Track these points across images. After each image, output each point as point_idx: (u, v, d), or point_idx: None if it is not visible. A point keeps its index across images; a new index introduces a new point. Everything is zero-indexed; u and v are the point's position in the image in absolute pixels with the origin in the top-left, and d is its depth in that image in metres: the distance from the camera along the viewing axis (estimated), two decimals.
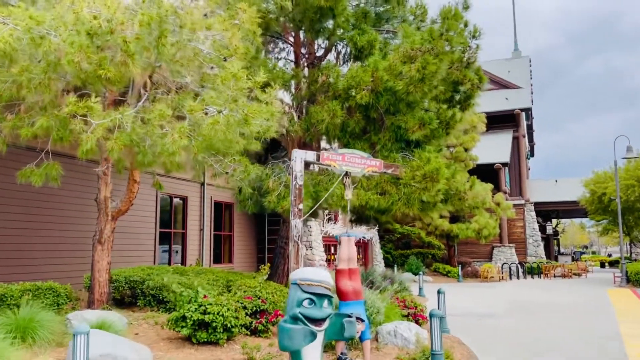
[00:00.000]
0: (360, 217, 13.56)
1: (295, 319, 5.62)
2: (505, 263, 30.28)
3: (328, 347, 7.13)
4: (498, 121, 37.08)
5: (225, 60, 7.31)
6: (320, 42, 12.14)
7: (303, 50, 11.88)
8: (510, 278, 28.53)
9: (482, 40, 11.04)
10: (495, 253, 32.56)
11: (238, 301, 8.40)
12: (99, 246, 8.98)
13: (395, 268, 26.02)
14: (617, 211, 25.58)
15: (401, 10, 11.97)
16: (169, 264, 16.54)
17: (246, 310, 8.23)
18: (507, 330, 11.24)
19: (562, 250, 65.97)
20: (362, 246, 27.07)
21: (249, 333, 8.17)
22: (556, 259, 42.14)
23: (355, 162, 6.96)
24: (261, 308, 8.51)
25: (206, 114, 6.71)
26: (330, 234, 22.72)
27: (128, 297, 10.12)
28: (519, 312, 14.25)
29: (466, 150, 27.61)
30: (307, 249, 20.57)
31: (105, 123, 6.13)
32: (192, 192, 17.58)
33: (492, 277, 27.01)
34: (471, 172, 25.65)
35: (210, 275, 11.23)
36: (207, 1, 7.11)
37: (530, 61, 45.24)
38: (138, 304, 9.65)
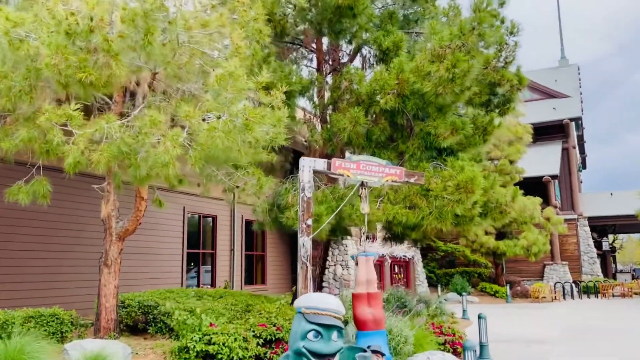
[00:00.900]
0: (394, 234, 12.59)
1: (298, 355, 4.74)
2: (558, 282, 28.34)
3: None
4: (546, 132, 35.29)
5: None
6: (345, 49, 11.41)
7: (326, 57, 11.15)
8: (564, 298, 26.61)
9: (522, 38, 10.02)
10: (547, 271, 30.57)
11: (250, 329, 7.60)
12: (105, 269, 8.38)
13: (439, 288, 24.68)
14: None
15: (432, 12, 11.09)
16: (198, 286, 15.95)
17: (259, 340, 7.40)
18: None
19: (620, 267, 62.21)
20: (404, 265, 25.86)
21: None
22: (614, 277, 39.43)
23: (372, 170, 6.09)
24: (276, 336, 7.67)
25: (204, 120, 6.02)
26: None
27: (141, 323, 9.47)
28: (574, 338, 12.83)
29: (511, 162, 26.13)
30: (342, 269, 19.62)
31: (87, 133, 5.51)
32: (222, 211, 17.02)
33: (544, 297, 25.21)
34: (518, 185, 24.15)
35: (230, 299, 10.50)
36: None
37: (578, 69, 43.16)
38: (149, 330, 8.97)
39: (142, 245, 13.72)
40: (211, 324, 6.90)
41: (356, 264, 6.25)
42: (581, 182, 44.03)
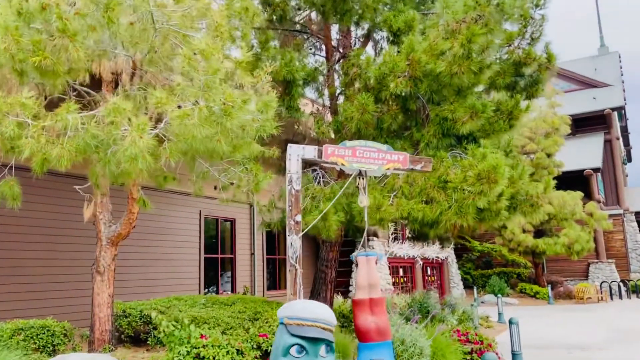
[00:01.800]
0: (417, 233, 11.69)
1: None
2: (604, 281, 26.68)
3: None
4: (586, 123, 33.56)
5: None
6: (356, 35, 10.62)
7: (336, 45, 10.39)
8: (611, 298, 24.98)
9: (556, 28, 9.14)
10: (592, 270, 28.86)
11: (249, 339, 6.89)
12: (98, 277, 7.82)
13: (475, 290, 23.48)
14: None
15: None
16: (217, 292, 15.38)
17: (258, 352, 6.68)
18: None
19: None
20: (437, 267, 24.76)
21: None
22: None
23: (371, 157, 5.29)
24: None
25: (180, 107, 5.34)
26: (397, 255, 20.75)
27: (143, 333, 8.89)
28: (622, 343, 11.62)
29: (549, 156, 24.71)
30: None
31: (47, 125, 4.91)
32: (240, 214, 16.43)
33: (589, 297, 23.69)
34: (556, 180, 22.75)
35: (239, 306, 9.82)
36: None
37: (619, 57, 41.00)
38: (148, 342, 8.37)
39: (156, 251, 13.23)
40: (202, 336, 6.22)
41: (356, 265, 5.46)
42: (626, 175, 41.76)
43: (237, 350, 6.21)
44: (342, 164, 5.22)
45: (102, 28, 4.98)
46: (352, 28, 10.46)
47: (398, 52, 8.32)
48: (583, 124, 33.36)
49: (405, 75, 7.91)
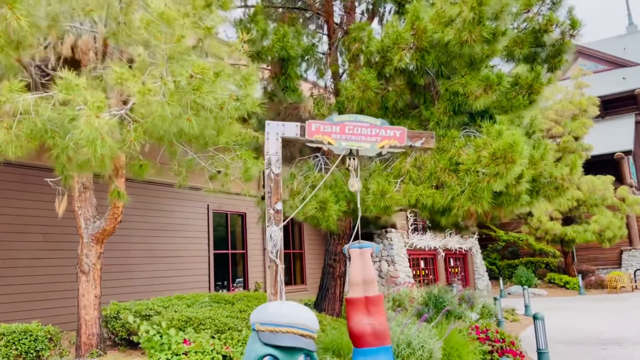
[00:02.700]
0: (431, 222, 10.92)
1: None
2: (638, 269, 25.37)
3: None
4: (615, 105, 32.05)
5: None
6: (360, 11, 9.86)
7: (339, 22, 9.64)
8: None
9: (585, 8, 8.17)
10: (625, 258, 27.50)
11: (242, 342, 6.25)
12: (83, 277, 7.27)
13: (502, 281, 22.52)
14: None
15: None
16: (229, 289, 14.84)
17: None
18: None
19: None
20: (460, 258, 23.85)
21: None
22: None
23: (363, 134, 4.56)
24: None
25: (144, 84, 4.69)
26: (417, 246, 19.93)
27: (137, 335, 8.34)
28: None
29: (576, 139, 23.49)
30: (388, 265, 17.99)
31: None
32: (251, 207, 15.82)
33: (623, 287, 22.50)
34: (585, 164, 21.55)
35: (240, 304, 9.21)
36: None
37: None
38: (141, 345, 7.81)
39: (161, 247, 12.72)
40: (185, 341, 5.60)
41: (348, 259, 4.75)
42: None
43: (224, 356, 5.57)
44: (329, 143, 4.50)
45: None
46: (356, 4, 9.71)
47: (404, 22, 7.55)
48: (612, 105, 31.88)
49: (411, 47, 7.13)
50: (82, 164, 5.00)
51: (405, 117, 7.64)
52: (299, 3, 10.01)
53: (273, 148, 4.44)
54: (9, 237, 9.07)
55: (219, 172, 6.50)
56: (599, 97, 26.27)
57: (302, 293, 16.88)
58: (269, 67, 8.50)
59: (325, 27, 9.73)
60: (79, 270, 7.28)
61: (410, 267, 18.79)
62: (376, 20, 9.79)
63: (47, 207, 8.98)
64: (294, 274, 17.72)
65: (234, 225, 15.51)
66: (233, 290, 14.70)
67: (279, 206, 4.37)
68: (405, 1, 7.87)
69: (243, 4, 8.23)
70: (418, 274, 20.10)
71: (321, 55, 9.13)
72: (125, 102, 5.14)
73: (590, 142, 24.08)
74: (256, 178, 6.98)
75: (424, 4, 7.50)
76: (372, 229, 17.11)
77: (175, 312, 8.33)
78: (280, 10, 9.48)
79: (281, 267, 4.25)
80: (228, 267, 15.09)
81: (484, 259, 25.39)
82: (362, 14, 9.76)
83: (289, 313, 3.43)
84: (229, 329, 7.51)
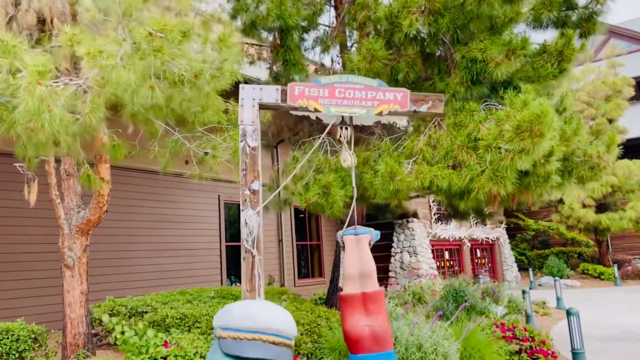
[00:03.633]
0: (456, 210, 10.07)
1: None
2: None
3: None
4: None
5: None
6: None
7: None
8: None
9: None
10: None
11: None
12: (67, 271, 6.70)
13: (531, 272, 21.45)
14: None
15: None
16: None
17: None
18: None
19: None
20: (487, 248, 22.83)
21: None
22: None
23: (356, 98, 3.80)
24: None
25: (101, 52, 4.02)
26: (441, 237, 19.03)
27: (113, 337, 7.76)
28: None
29: (610, 121, 22.17)
30: (410, 256, 17.16)
31: None
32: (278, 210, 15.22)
33: None
34: (620, 148, 20.22)
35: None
36: None
37: None
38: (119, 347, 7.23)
39: (170, 240, 12.17)
40: (165, 343, 4.95)
41: (342, 248, 4.01)
42: None
43: None
44: (316, 109, 3.75)
45: None
46: None
47: None
48: None
49: (422, 10, 6.32)
50: (37, 143, 4.38)
51: (417, 89, 6.82)
52: None
53: (249, 116, 3.72)
54: None
55: (205, 153, 5.82)
56: (634, 77, 24.80)
57: (320, 286, 16.20)
58: (268, 43, 7.79)
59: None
60: (62, 265, 6.71)
61: (433, 258, 17.93)
62: None
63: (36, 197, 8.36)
64: (311, 267, 17.06)
65: None
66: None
67: (256, 186, 3.66)
68: None
69: None
70: (442, 265, 19.21)
71: (326, 28, 8.36)
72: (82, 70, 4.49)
73: (625, 125, 22.73)
74: None
75: None
76: (392, 219, 16.29)
77: (172, 308, 7.74)
78: None
79: (259, 258, 3.54)
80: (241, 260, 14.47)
81: (512, 249, 24.31)
82: None
83: (257, 315, 2.72)
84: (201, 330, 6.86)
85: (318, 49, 8.94)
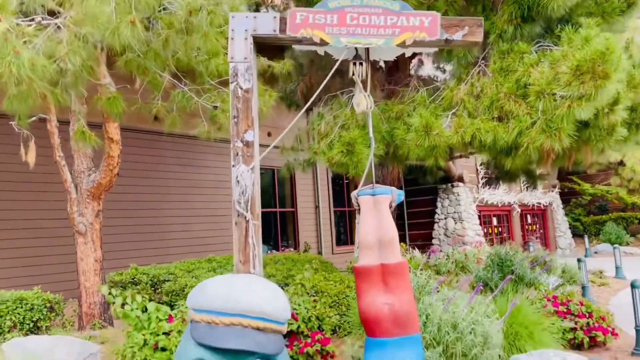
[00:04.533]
0: (502, 171, 9.19)
1: None
2: None
3: None
4: None
5: None
6: None
7: None
8: None
9: None
10: None
11: None
12: (80, 238, 6.33)
13: (587, 239, 20.16)
14: None
15: None
16: (277, 250, 13.84)
17: None
18: None
19: None
20: (539, 214, 21.61)
21: None
22: None
23: (372, 25, 3.06)
24: (288, 329, 5.06)
25: None
26: (489, 202, 18.01)
27: (157, 303, 7.41)
28: None
29: None
30: (455, 222, 16.29)
31: None
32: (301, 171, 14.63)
33: None
34: None
35: (271, 268, 8.08)
36: None
37: None
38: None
39: (202, 206, 11.81)
40: (170, 318, 4.47)
41: (358, 211, 3.34)
42: None
43: None
44: (322, 40, 3.05)
45: None
46: None
47: None
48: None
49: None
50: (17, 95, 3.86)
51: None
52: None
53: (240, 52, 3.05)
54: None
55: (215, 107, 5.21)
56: None
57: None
58: None
59: None
60: (74, 231, 6.35)
61: (480, 225, 16.99)
62: None
63: (40, 160, 7.93)
64: (350, 234, 16.47)
65: (282, 182, 14.35)
66: (282, 251, 13.69)
67: (250, 136, 3.01)
68: None
69: None
70: (490, 232, 18.25)
71: None
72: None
73: None
74: (266, 117, 5.65)
75: None
76: (433, 182, 15.41)
77: (193, 277, 7.33)
78: None
79: (254, 223, 2.92)
80: (276, 227, 14.06)
81: (566, 214, 22.93)
82: None
83: (238, 293, 2.11)
84: None
85: None
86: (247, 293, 2.08)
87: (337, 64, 3.16)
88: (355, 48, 3.13)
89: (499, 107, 5.36)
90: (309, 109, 13.36)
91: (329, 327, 5.52)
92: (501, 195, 18.73)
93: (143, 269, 7.86)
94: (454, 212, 16.41)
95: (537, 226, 21.35)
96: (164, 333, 4.28)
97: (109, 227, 9.06)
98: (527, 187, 20.96)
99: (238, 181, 2.97)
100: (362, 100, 3.19)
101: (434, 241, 16.45)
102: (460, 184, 16.55)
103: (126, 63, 4.32)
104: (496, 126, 5.28)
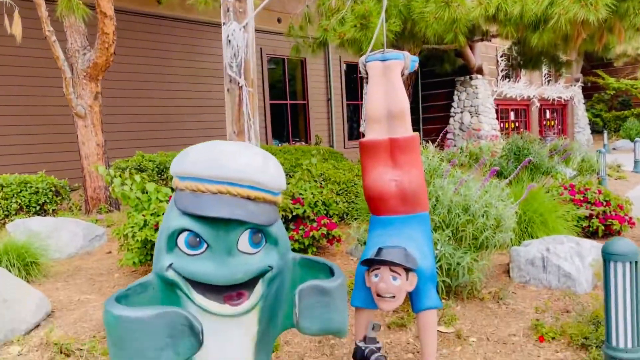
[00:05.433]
0: (526, 56, 8.66)
1: (165, 282, 1.73)
2: None
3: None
4: None
5: None
6: None
7: None
8: None
9: None
10: None
11: None
12: (80, 121, 6.11)
13: (606, 135, 19.66)
14: None
15: None
16: (288, 142, 13.64)
17: None
18: None
19: None
20: (558, 109, 20.97)
21: None
22: None
23: None
24: (293, 213, 4.94)
25: None
26: (508, 95, 17.37)
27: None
28: None
29: None
30: (471, 116, 15.83)
31: None
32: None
33: None
34: None
35: (279, 157, 7.90)
36: None
37: None
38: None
39: (211, 96, 11.47)
40: (170, 198, 4.35)
41: (365, 80, 3.01)
42: None
43: None
44: None
45: None
46: None
47: None
48: None
49: None
50: None
51: None
52: None
53: None
54: None
55: None
56: None
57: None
58: None
59: None
60: (73, 114, 6.12)
61: (497, 119, 16.51)
62: None
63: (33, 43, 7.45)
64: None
65: (293, 72, 13.83)
66: (293, 144, 13.49)
67: None
68: None
69: None
70: (506, 127, 17.80)
71: None
72: None
73: None
74: None
75: None
76: (451, 71, 14.78)
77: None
78: None
79: (248, 90, 2.62)
80: (287, 119, 13.75)
81: (587, 110, 22.24)
82: None
83: (224, 159, 1.85)
84: None
85: None
86: (235, 158, 1.82)
87: None
88: None
89: None
90: None
91: (336, 213, 5.40)
92: (521, 88, 18.04)
93: (149, 156, 7.74)
94: (471, 106, 15.89)
95: (556, 122, 20.82)
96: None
97: (113, 116, 8.87)
98: (548, 81, 20.16)
99: (229, 41, 2.62)
100: None
101: (448, 136, 16.11)
102: (479, 76, 15.86)
103: None
104: None
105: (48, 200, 6.27)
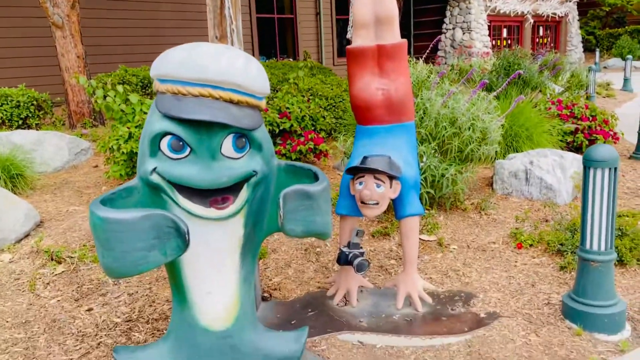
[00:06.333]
0: None
1: (149, 186, 1.73)
2: None
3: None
4: None
5: None
6: None
7: None
8: None
9: None
10: None
11: None
12: (57, 31, 5.88)
13: (598, 53, 19.39)
14: None
15: None
16: (276, 58, 13.32)
17: None
18: None
19: None
20: (552, 26, 20.51)
21: None
22: None
23: None
24: (281, 128, 4.92)
25: None
26: (501, 11, 16.88)
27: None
28: None
29: None
30: (463, 33, 15.47)
31: None
32: None
33: None
34: None
35: (276, 71, 7.74)
36: None
37: None
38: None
39: (195, 9, 11.04)
40: None
41: None
42: None
43: None
44: None
45: None
46: None
47: None
48: None
49: None
50: None
51: None
52: None
53: None
54: None
55: None
56: None
57: None
58: None
59: None
60: (50, 24, 5.87)
61: (489, 36, 16.16)
62: None
63: None
64: None
65: None
66: (281, 59, 13.18)
67: None
68: None
69: None
70: (498, 44, 17.47)
71: None
72: None
73: None
74: None
75: None
76: None
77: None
78: None
79: None
80: (274, 34, 13.35)
81: (580, 27, 21.79)
82: None
83: (204, 61, 1.80)
84: None
85: None
86: (216, 60, 1.76)
87: None
88: None
89: None
90: None
91: (323, 128, 5.38)
92: (515, 4, 17.53)
93: (133, 70, 7.56)
94: (463, 22, 15.48)
95: (549, 39, 20.43)
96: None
97: (95, 29, 8.54)
98: None
99: None
100: None
101: (439, 53, 15.81)
102: None
103: None
104: None
105: (30, 115, 6.17)
